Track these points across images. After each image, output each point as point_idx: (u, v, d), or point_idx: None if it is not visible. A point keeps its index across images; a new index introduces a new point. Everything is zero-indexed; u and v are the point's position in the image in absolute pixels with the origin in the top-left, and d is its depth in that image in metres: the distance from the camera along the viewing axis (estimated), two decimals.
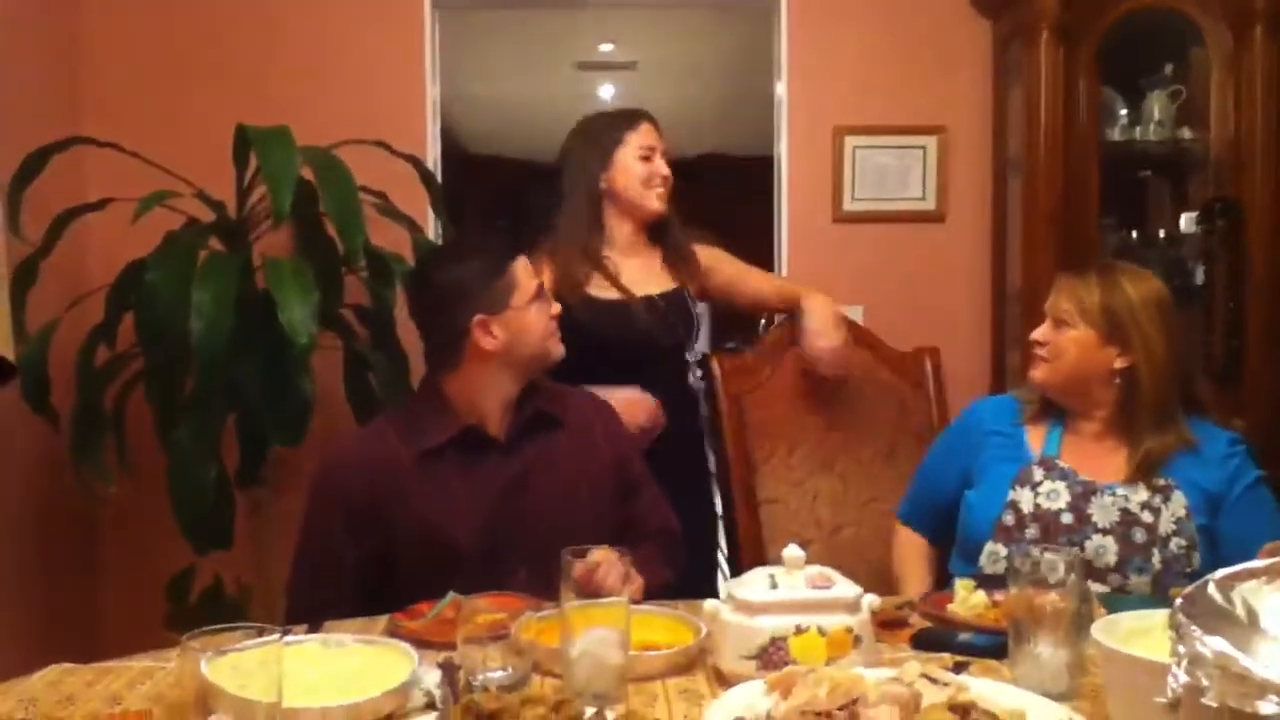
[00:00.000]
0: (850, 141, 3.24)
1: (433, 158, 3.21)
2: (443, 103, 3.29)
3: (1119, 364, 1.90)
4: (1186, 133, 3.02)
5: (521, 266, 1.93)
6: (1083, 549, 1.82)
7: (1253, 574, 1.17)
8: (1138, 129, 3.04)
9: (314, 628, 1.56)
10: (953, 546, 2.05)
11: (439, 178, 3.11)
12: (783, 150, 3.30)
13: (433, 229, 3.11)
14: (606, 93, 6.64)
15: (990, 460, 2.00)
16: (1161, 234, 3.11)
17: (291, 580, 1.93)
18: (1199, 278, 2.94)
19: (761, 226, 3.56)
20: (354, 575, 1.85)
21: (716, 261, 2.57)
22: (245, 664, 1.05)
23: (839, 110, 3.25)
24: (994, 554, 1.90)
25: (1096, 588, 1.78)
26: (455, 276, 1.91)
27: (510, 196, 8.36)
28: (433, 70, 3.23)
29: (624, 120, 2.55)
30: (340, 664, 1.33)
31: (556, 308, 1.97)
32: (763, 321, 6.87)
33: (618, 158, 2.47)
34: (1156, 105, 3.04)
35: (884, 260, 3.24)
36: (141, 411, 2.62)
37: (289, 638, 1.29)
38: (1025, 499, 1.91)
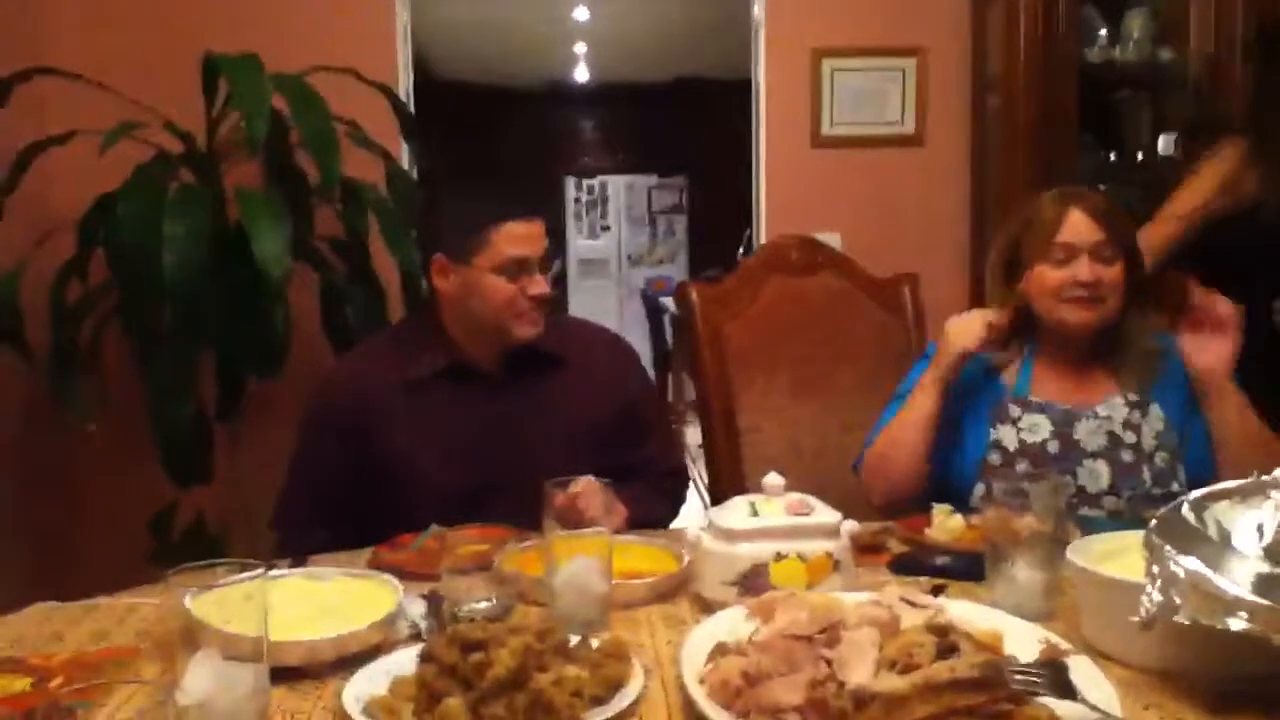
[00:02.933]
0: (828, 64, 3.20)
1: (404, 86, 3.15)
2: (413, 28, 3.22)
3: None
4: (1165, 52, 3.00)
5: (507, 232, 1.82)
6: (1075, 476, 1.80)
7: (1225, 494, 1.19)
8: (1117, 48, 3.02)
9: (298, 562, 1.56)
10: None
11: (411, 106, 3.06)
12: (760, 74, 3.26)
13: (405, 158, 3.06)
14: (580, 15, 6.52)
15: (964, 397, 1.93)
16: (1140, 156, 3.10)
17: (279, 506, 1.93)
18: None
19: (739, 152, 3.53)
20: (344, 502, 1.85)
21: None
22: (230, 599, 1.05)
23: (817, 32, 3.21)
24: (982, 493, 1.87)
25: (1091, 514, 1.77)
26: (441, 210, 1.90)
27: (479, 122, 8.30)
28: None
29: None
30: (325, 597, 1.34)
31: (539, 287, 1.84)
32: (740, 249, 6.86)
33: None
34: (1135, 24, 3.02)
35: (862, 186, 3.23)
36: (119, 347, 2.60)
37: (273, 572, 1.30)
38: (1008, 436, 1.86)
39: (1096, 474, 1.82)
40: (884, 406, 2.13)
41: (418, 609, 1.33)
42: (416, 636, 1.28)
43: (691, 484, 2.17)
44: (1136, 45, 3.00)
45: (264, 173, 2.66)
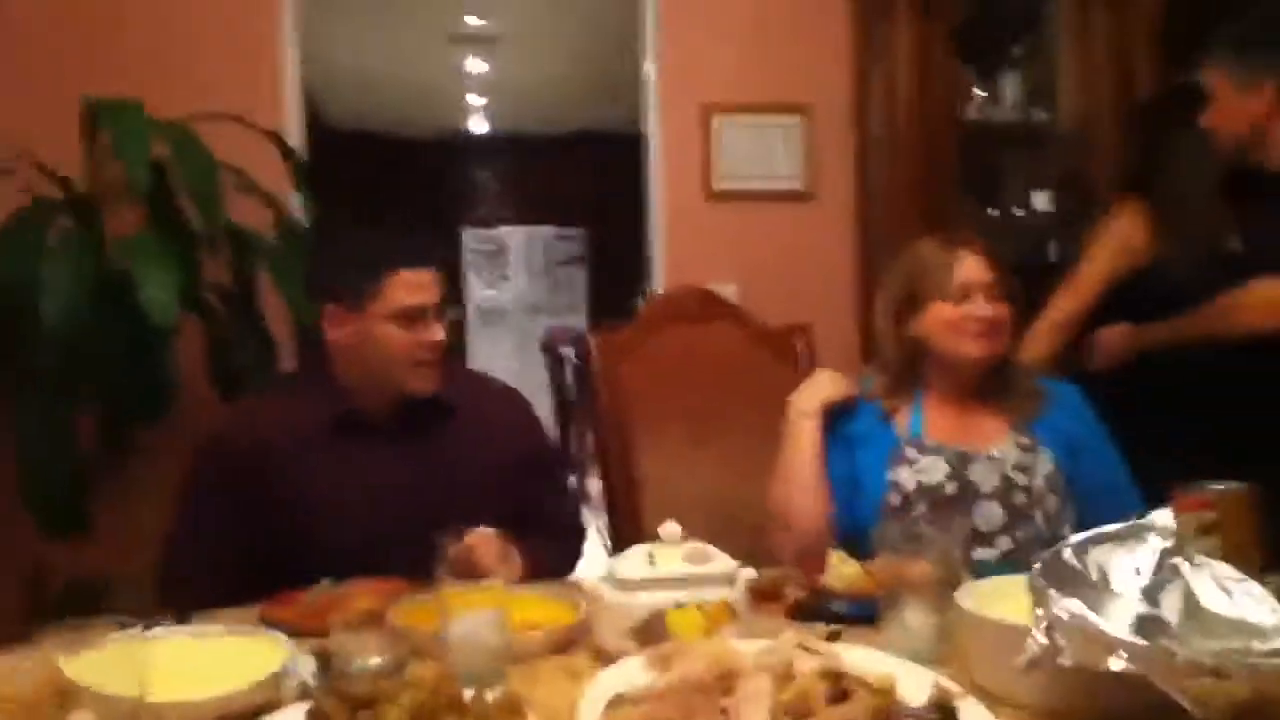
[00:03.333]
0: (718, 120, 3.26)
1: (295, 132, 3.11)
2: (304, 75, 3.19)
3: None
4: (1038, 112, 3.14)
5: (401, 280, 1.79)
6: (971, 517, 1.84)
7: (1105, 538, 1.23)
8: (994, 108, 3.15)
9: (182, 619, 1.51)
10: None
11: (303, 154, 3.02)
12: (653, 128, 3.31)
13: (296, 206, 3.02)
14: (477, 66, 6.54)
15: (860, 447, 1.96)
16: (1017, 211, 3.22)
17: (166, 560, 1.86)
18: (1053, 254, 3.06)
19: (635, 204, 3.57)
20: (233, 555, 1.80)
21: None
22: (108, 659, 1.01)
23: (707, 88, 3.28)
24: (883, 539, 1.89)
25: (984, 554, 1.81)
26: (332, 257, 1.86)
27: (375, 172, 8.24)
28: (292, 40, 3.12)
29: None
30: (209, 656, 1.29)
31: (434, 335, 1.82)
32: (639, 298, 6.91)
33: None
34: (1009, 85, 3.15)
35: (756, 238, 3.29)
36: None
37: (156, 629, 1.25)
38: (904, 476, 1.89)
39: (990, 515, 1.86)
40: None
41: (307, 666, 1.28)
42: (305, 695, 1.24)
43: (595, 534, 2.16)
44: (1011, 106, 3.14)
45: (147, 219, 2.59)
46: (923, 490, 1.88)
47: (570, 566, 2.00)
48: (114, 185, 2.53)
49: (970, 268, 1.91)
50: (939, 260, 1.93)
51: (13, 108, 2.78)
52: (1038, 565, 1.18)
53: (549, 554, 1.88)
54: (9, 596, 2.58)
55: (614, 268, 8.26)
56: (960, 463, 1.89)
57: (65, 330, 2.20)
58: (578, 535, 2.09)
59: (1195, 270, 2.24)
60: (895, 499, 1.89)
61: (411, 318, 1.80)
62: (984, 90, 3.15)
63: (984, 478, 1.88)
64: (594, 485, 4.76)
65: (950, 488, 1.88)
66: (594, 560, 2.08)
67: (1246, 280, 2.14)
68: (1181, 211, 2.31)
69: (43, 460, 2.35)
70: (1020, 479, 1.88)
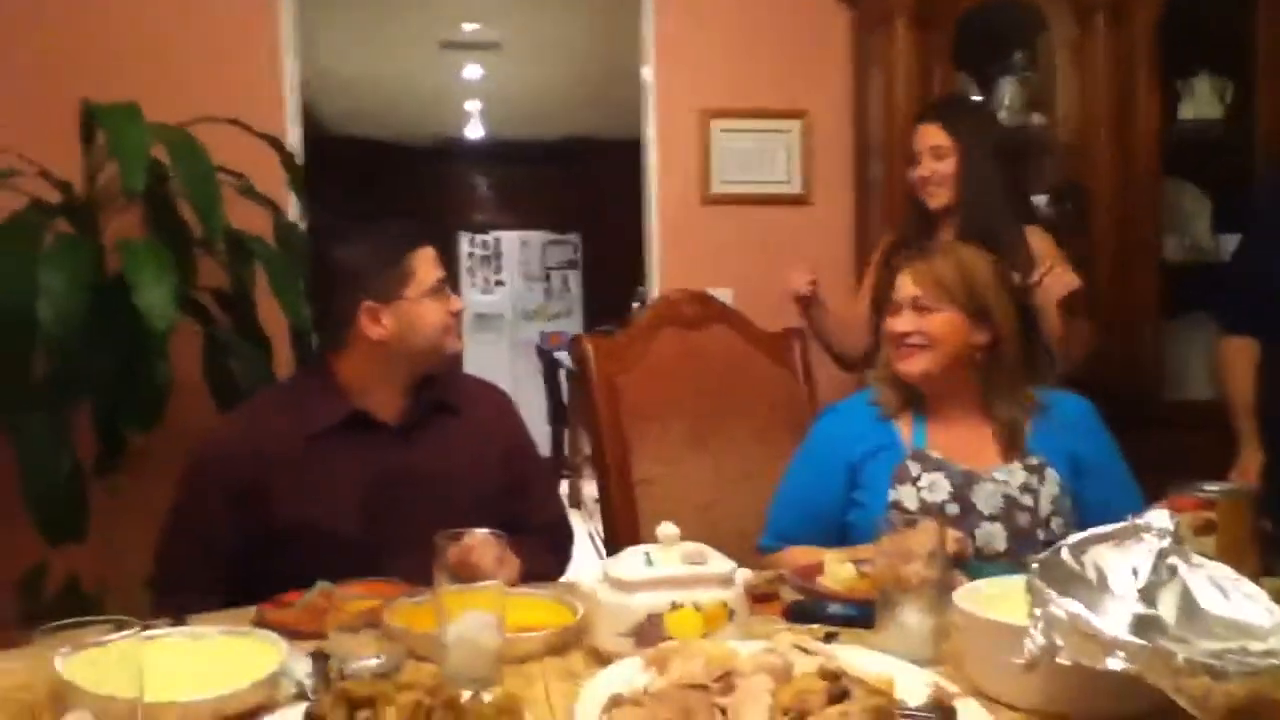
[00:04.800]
0: (716, 125, 3.27)
1: (293, 137, 3.11)
2: (301, 81, 3.20)
3: (979, 339, 1.91)
4: (1036, 118, 3.15)
5: (423, 257, 1.86)
6: (973, 538, 1.83)
7: (1101, 538, 1.23)
8: None
9: (177, 621, 1.50)
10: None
11: (299, 158, 3.02)
12: (651, 133, 3.32)
13: (294, 210, 3.02)
14: (472, 73, 6.55)
15: (865, 458, 1.96)
16: None
17: (159, 567, 1.86)
18: None
19: (630, 209, 3.58)
20: (229, 561, 1.79)
21: None
22: (103, 660, 1.01)
23: (705, 94, 3.29)
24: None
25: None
26: (348, 256, 1.87)
27: (371, 178, 8.24)
28: (291, 46, 3.13)
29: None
30: (206, 657, 1.29)
31: (458, 304, 1.91)
32: (635, 303, 6.90)
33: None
34: (1007, 91, 3.16)
35: (752, 242, 3.30)
36: None
37: (151, 630, 1.24)
38: (907, 495, 1.89)
39: (993, 536, 1.86)
40: (781, 460, 2.14)
41: (303, 667, 1.28)
42: (302, 696, 1.23)
43: (588, 538, 2.16)
44: (1009, 112, 3.14)
45: (145, 223, 2.60)
46: (926, 508, 1.87)
47: (561, 568, 2.01)
48: (112, 189, 2.52)
49: (902, 283, 1.96)
50: (894, 277, 1.99)
51: (12, 111, 2.79)
52: (1035, 565, 1.18)
53: (539, 555, 1.88)
54: (5, 600, 2.57)
55: (608, 273, 8.27)
56: (964, 482, 1.89)
57: (62, 334, 2.20)
58: (567, 536, 2.09)
59: None
60: (896, 519, 1.88)
61: (439, 290, 1.87)
62: (981, 96, 3.16)
63: (987, 501, 1.88)
64: (588, 489, 4.75)
65: (952, 508, 1.87)
66: (587, 564, 2.09)
67: None
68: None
69: (43, 465, 2.34)
70: (1025, 500, 1.88)
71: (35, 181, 2.53)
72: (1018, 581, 1.24)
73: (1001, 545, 1.85)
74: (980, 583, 1.38)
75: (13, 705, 1.23)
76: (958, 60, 3.03)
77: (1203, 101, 3.14)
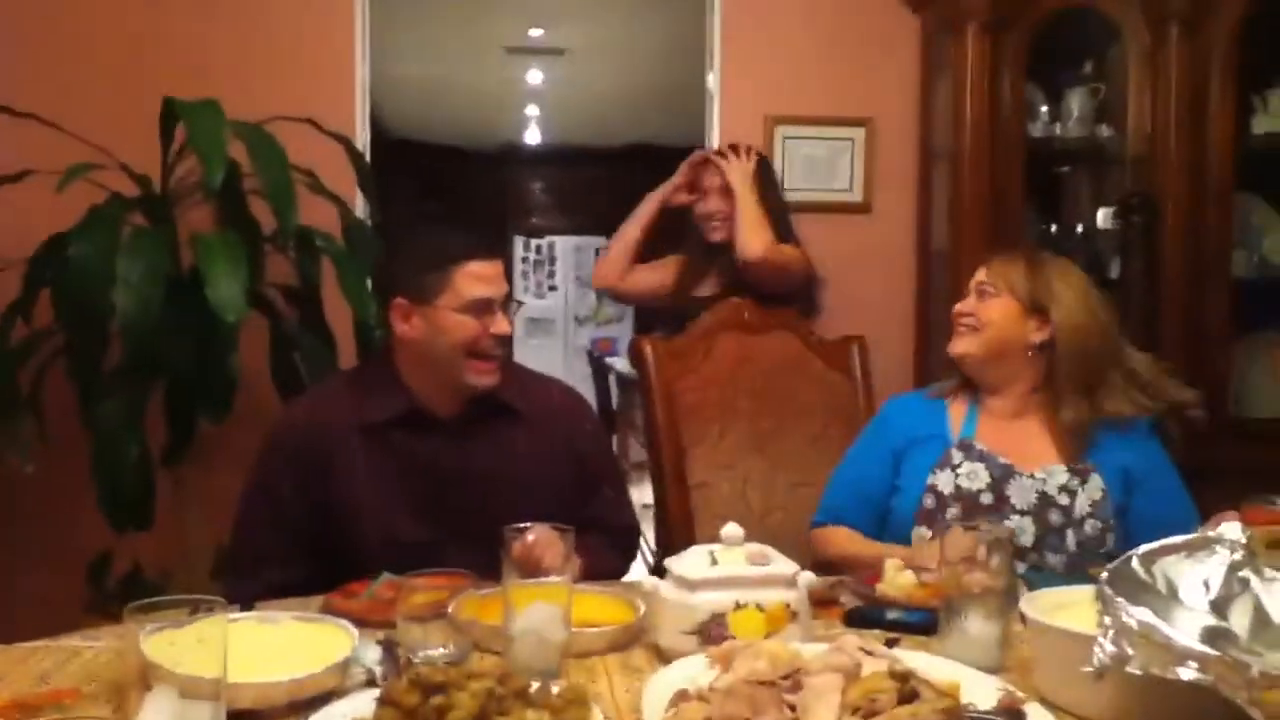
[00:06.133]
0: (781, 131, 3.27)
1: (362, 138, 3.16)
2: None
3: (1037, 338, 1.95)
4: (1104, 129, 3.11)
5: (469, 272, 1.82)
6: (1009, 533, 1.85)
7: (1172, 549, 1.22)
8: (1058, 125, 3.12)
9: (246, 608, 1.53)
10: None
11: (367, 158, 3.07)
12: (714, 140, 3.32)
13: (361, 209, 3.07)
14: (535, 78, 6.60)
15: (911, 445, 2.02)
16: (1080, 228, 3.19)
17: (236, 545, 1.89)
18: (1114, 271, 3.03)
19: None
20: (298, 539, 1.82)
21: None
22: (183, 640, 1.03)
23: (770, 101, 3.28)
24: (920, 537, 1.94)
25: (1018, 566, 1.82)
26: (398, 251, 1.89)
27: (431, 181, 8.33)
28: (363, 49, 3.18)
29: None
30: (278, 641, 1.32)
31: (503, 326, 1.84)
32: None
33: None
34: (1076, 102, 3.13)
35: (813, 250, 3.27)
36: (60, 391, 2.55)
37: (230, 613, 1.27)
38: (944, 481, 1.94)
39: (1022, 530, 1.89)
40: (833, 470, 2.16)
41: (372, 654, 1.31)
42: (371, 682, 1.26)
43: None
44: (1077, 123, 3.11)
45: (218, 218, 2.65)
46: (959, 494, 1.93)
47: (624, 566, 2.02)
48: (187, 183, 2.58)
49: (976, 273, 2.03)
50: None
51: (94, 106, 2.85)
52: (1105, 574, 1.17)
53: (604, 555, 1.89)
54: (74, 587, 2.63)
55: None
56: (1002, 476, 1.93)
57: (138, 324, 2.25)
58: (632, 535, 2.10)
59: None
60: (930, 501, 1.95)
61: (480, 309, 1.82)
62: (1049, 106, 3.13)
63: (1021, 496, 1.91)
64: (636, 494, 4.76)
65: (986, 498, 1.92)
66: (634, 569, 2.11)
67: None
68: None
69: (115, 453, 2.39)
70: (1061, 500, 1.91)
71: (114, 175, 2.59)
72: (1082, 590, 1.24)
73: (1028, 540, 1.89)
74: (1045, 591, 1.38)
75: (102, 681, 1.27)
76: (1028, 69, 3.00)
77: (1276, 115, 3.08)
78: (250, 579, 1.75)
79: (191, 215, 2.66)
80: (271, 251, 2.67)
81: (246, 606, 1.55)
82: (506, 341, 1.86)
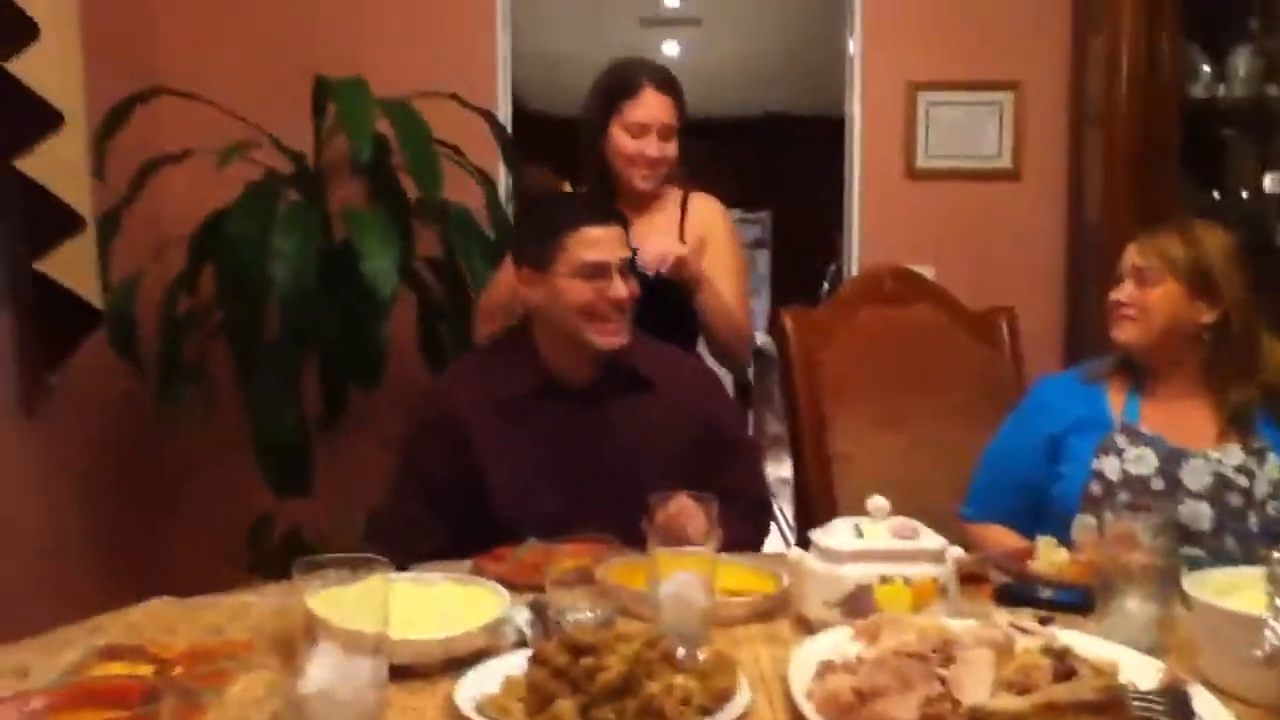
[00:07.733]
0: (924, 97, 3.20)
1: (504, 112, 3.20)
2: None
3: (1206, 319, 1.85)
4: (1272, 89, 2.95)
5: (583, 237, 1.84)
6: (1176, 515, 1.76)
7: None
8: (1221, 86, 2.97)
9: (400, 568, 1.59)
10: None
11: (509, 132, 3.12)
12: (855, 107, 3.27)
13: (504, 183, 3.12)
14: (670, 49, 6.58)
15: (1070, 430, 1.93)
16: (1244, 193, 3.04)
17: (385, 509, 1.96)
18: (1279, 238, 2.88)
19: (825, 186, 3.53)
20: (445, 506, 1.88)
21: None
22: (344, 597, 1.07)
23: (912, 65, 3.21)
24: (1085, 525, 1.85)
25: (1191, 552, 1.74)
26: (523, 222, 1.93)
27: (563, 153, 8.40)
28: (504, 23, 3.22)
29: (624, 86, 2.43)
30: (432, 601, 1.37)
31: (620, 290, 1.84)
32: (825, 283, 6.81)
33: (611, 129, 2.38)
34: (1241, 62, 2.96)
35: (957, 218, 3.21)
36: (222, 361, 2.68)
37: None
38: (1110, 467, 1.85)
39: (1198, 514, 1.79)
40: (984, 449, 2.10)
41: (522, 616, 1.34)
42: (521, 643, 1.29)
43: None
44: (1242, 83, 2.95)
45: (367, 193, 2.74)
46: (1128, 480, 1.84)
47: (758, 540, 2.02)
48: (338, 159, 2.67)
49: (1128, 253, 1.92)
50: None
51: (249, 85, 2.96)
52: (1277, 555, 1.12)
53: (738, 527, 1.89)
54: (233, 548, 2.76)
55: (799, 251, 8.19)
56: (1172, 459, 1.83)
57: (294, 296, 2.34)
58: (765, 509, 2.09)
59: None
60: (1097, 488, 1.86)
61: (593, 274, 1.84)
62: (1212, 66, 2.97)
63: (1195, 477, 1.82)
64: (772, 469, 4.75)
65: (1157, 483, 1.83)
66: (772, 543, 2.10)
67: None
68: None
69: (272, 420, 2.51)
70: (1241, 481, 1.81)
71: (269, 153, 2.69)
72: (1248, 573, 1.19)
73: (1207, 525, 1.79)
74: (1208, 572, 1.32)
75: (267, 635, 1.33)
76: (1187, 26, 2.85)
77: None
78: (395, 547, 1.80)
79: (344, 189, 2.76)
80: (418, 225, 2.74)
81: (400, 569, 1.60)
82: (623, 303, 1.86)
